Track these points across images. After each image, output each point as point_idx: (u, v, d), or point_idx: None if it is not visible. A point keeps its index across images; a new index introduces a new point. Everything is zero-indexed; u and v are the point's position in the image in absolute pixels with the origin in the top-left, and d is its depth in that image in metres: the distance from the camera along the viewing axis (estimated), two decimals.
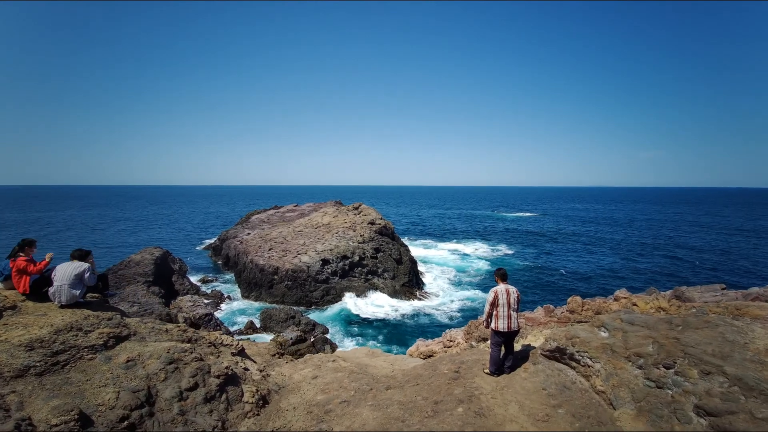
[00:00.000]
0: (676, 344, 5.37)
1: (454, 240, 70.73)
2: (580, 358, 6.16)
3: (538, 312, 9.19)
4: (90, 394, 4.98)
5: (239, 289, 40.52)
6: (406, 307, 35.20)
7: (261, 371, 8.07)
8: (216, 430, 5.58)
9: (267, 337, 27.53)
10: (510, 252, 59.91)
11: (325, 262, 39.14)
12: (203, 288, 41.15)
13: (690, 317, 6.00)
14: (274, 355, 9.64)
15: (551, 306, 9.28)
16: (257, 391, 6.86)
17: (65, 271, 6.83)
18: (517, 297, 7.05)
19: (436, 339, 11.09)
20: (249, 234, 48.82)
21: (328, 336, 28.22)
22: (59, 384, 4.93)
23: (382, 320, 32.16)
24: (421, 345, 10.77)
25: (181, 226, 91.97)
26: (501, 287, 6.98)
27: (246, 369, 7.73)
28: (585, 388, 5.92)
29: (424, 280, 43.24)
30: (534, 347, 7.51)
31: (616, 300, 10.30)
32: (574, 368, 6.31)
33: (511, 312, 6.88)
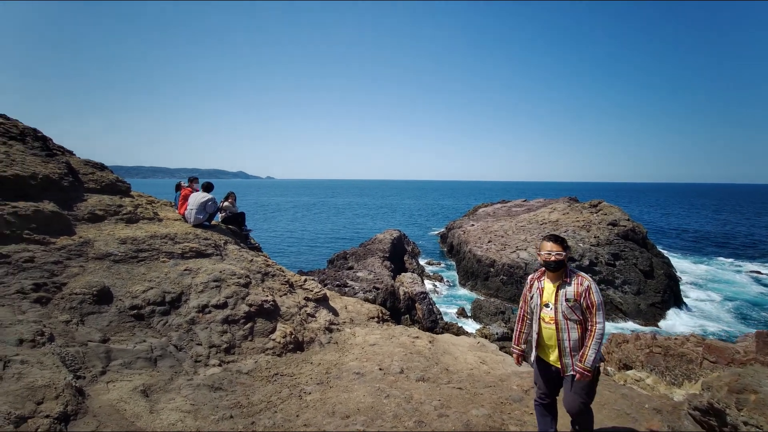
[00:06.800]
0: None
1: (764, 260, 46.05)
2: None
3: (743, 341, 4.29)
4: (132, 283, 5.86)
5: (458, 276, 41.47)
6: (650, 331, 26.29)
7: (332, 324, 7.54)
8: (213, 348, 5.50)
9: (474, 326, 26.82)
10: None
11: None
12: (427, 269, 44.42)
13: None
14: (373, 318, 8.87)
15: None
16: (291, 333, 6.39)
17: (195, 199, 8.47)
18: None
19: None
20: (473, 225, 48.98)
21: None
22: (121, 271, 6.05)
23: None
24: None
25: (417, 214, 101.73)
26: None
27: (312, 315, 7.38)
28: None
29: (688, 303, 31.11)
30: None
31: None
32: None
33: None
